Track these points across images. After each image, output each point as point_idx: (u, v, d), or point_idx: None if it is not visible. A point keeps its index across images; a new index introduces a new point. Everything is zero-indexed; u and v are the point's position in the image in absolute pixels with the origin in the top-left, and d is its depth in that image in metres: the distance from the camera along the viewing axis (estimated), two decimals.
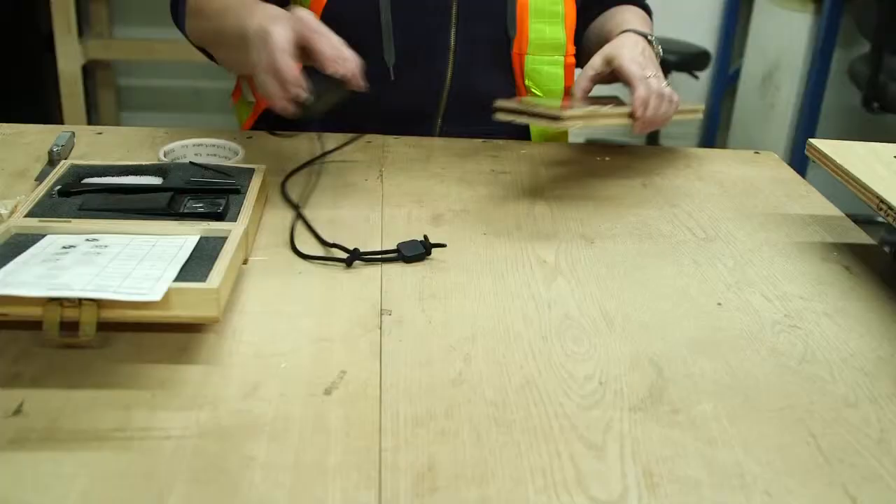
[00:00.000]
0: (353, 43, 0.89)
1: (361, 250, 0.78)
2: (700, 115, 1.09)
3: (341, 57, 0.81)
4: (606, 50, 1.01)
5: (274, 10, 0.85)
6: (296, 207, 0.88)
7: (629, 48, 0.99)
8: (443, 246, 0.80)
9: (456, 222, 0.88)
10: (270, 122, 1.13)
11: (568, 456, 0.55)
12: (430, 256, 0.80)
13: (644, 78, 0.95)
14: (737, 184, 1.04)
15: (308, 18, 0.82)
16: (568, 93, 1.09)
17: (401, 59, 1.06)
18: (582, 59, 1.17)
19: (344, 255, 0.78)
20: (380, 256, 0.79)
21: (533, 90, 1.13)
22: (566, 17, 1.11)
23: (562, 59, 1.13)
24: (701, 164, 1.10)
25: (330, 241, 0.80)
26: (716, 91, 3.37)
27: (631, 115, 0.95)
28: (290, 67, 0.79)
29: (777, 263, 0.84)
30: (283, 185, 0.94)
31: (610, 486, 0.53)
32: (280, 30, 0.79)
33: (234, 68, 1.02)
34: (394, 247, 0.80)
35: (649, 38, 1.04)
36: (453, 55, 1.09)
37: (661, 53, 1.05)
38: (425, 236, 0.81)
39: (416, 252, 0.79)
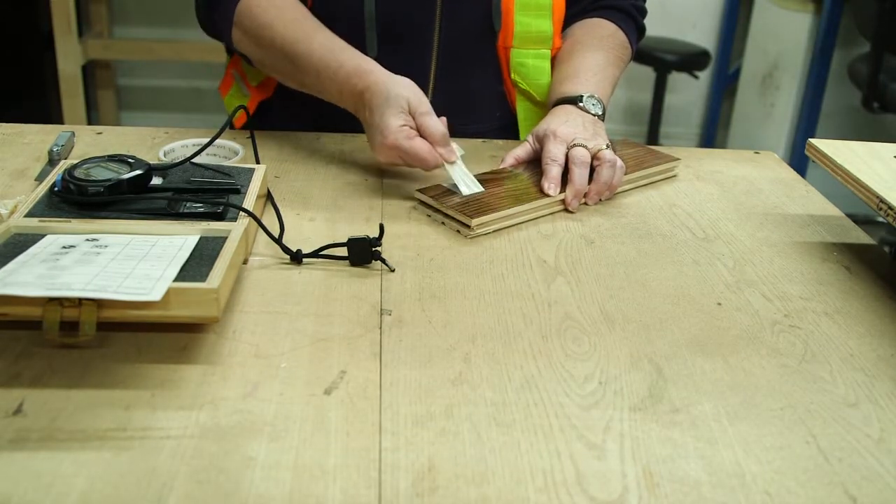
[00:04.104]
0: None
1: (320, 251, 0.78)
2: (674, 173, 1.05)
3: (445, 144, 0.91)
4: (536, 128, 0.99)
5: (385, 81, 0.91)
6: (269, 198, 0.90)
7: (555, 124, 0.96)
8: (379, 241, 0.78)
9: None
10: (267, 118, 1.13)
11: (568, 456, 0.55)
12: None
13: (554, 160, 0.93)
14: (737, 184, 1.04)
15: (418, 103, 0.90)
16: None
17: (383, 53, 1.05)
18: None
19: (345, 254, 0.78)
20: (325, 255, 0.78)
21: (520, 84, 1.12)
22: (554, 10, 1.09)
23: (548, 52, 1.11)
24: (701, 164, 1.10)
25: (330, 241, 0.80)
26: (716, 91, 3.37)
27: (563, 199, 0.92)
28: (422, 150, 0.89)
29: (777, 263, 0.84)
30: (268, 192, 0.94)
31: (610, 486, 0.53)
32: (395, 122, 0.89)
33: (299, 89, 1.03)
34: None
35: (580, 103, 1.00)
36: (437, 50, 1.09)
37: (601, 110, 1.01)
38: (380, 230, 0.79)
39: (363, 254, 0.78)
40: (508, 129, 1.16)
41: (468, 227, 0.85)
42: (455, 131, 1.13)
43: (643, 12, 1.19)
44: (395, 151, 0.89)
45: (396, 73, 0.95)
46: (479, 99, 1.14)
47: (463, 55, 1.10)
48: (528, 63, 1.11)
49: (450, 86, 1.11)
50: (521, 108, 1.15)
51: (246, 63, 1.13)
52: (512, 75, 1.12)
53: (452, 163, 0.91)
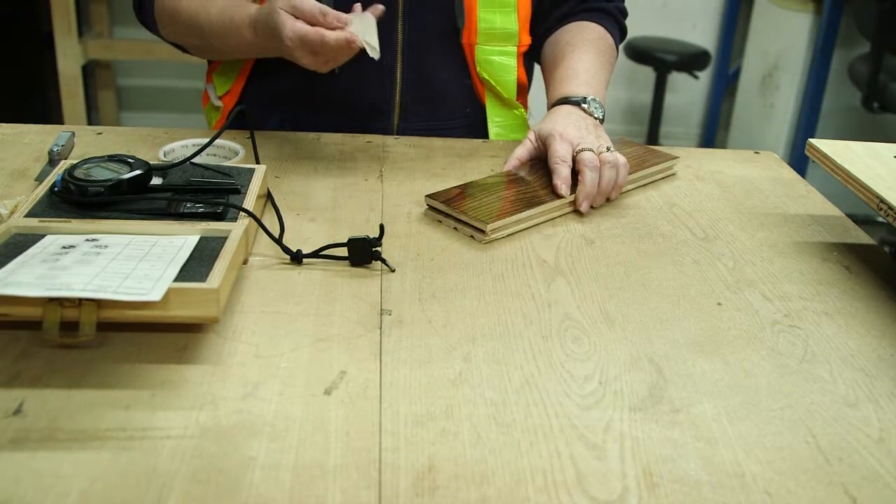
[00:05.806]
0: None
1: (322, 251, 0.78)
2: (672, 171, 1.05)
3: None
4: (539, 127, 0.99)
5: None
6: (269, 198, 0.89)
7: (560, 125, 0.96)
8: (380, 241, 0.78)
9: None
10: (239, 123, 1.14)
11: (568, 456, 0.55)
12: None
13: (563, 161, 0.92)
14: (737, 184, 1.04)
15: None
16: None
17: None
18: (542, 67, 1.17)
19: (345, 254, 0.78)
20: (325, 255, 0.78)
21: (487, 78, 1.12)
22: (519, 7, 1.10)
23: (514, 48, 1.12)
24: (701, 164, 1.10)
25: (330, 241, 0.80)
26: (716, 91, 3.37)
27: (572, 201, 0.92)
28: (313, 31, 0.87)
29: (777, 263, 0.84)
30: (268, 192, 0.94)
31: (610, 486, 0.53)
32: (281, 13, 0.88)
33: (222, 56, 1.14)
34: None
35: (583, 105, 1.00)
36: (402, 47, 1.09)
37: (602, 114, 1.02)
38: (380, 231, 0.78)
39: (363, 255, 0.77)
40: (480, 124, 1.16)
41: (483, 232, 0.84)
42: (425, 126, 1.14)
43: (625, 14, 1.21)
44: (301, 40, 0.88)
45: (362, 70, 0.94)
46: (448, 94, 1.14)
47: (428, 52, 1.11)
48: (493, 60, 1.11)
49: (418, 82, 1.12)
50: (490, 104, 1.16)
51: (216, 77, 1.16)
52: (478, 69, 1.12)
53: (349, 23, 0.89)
